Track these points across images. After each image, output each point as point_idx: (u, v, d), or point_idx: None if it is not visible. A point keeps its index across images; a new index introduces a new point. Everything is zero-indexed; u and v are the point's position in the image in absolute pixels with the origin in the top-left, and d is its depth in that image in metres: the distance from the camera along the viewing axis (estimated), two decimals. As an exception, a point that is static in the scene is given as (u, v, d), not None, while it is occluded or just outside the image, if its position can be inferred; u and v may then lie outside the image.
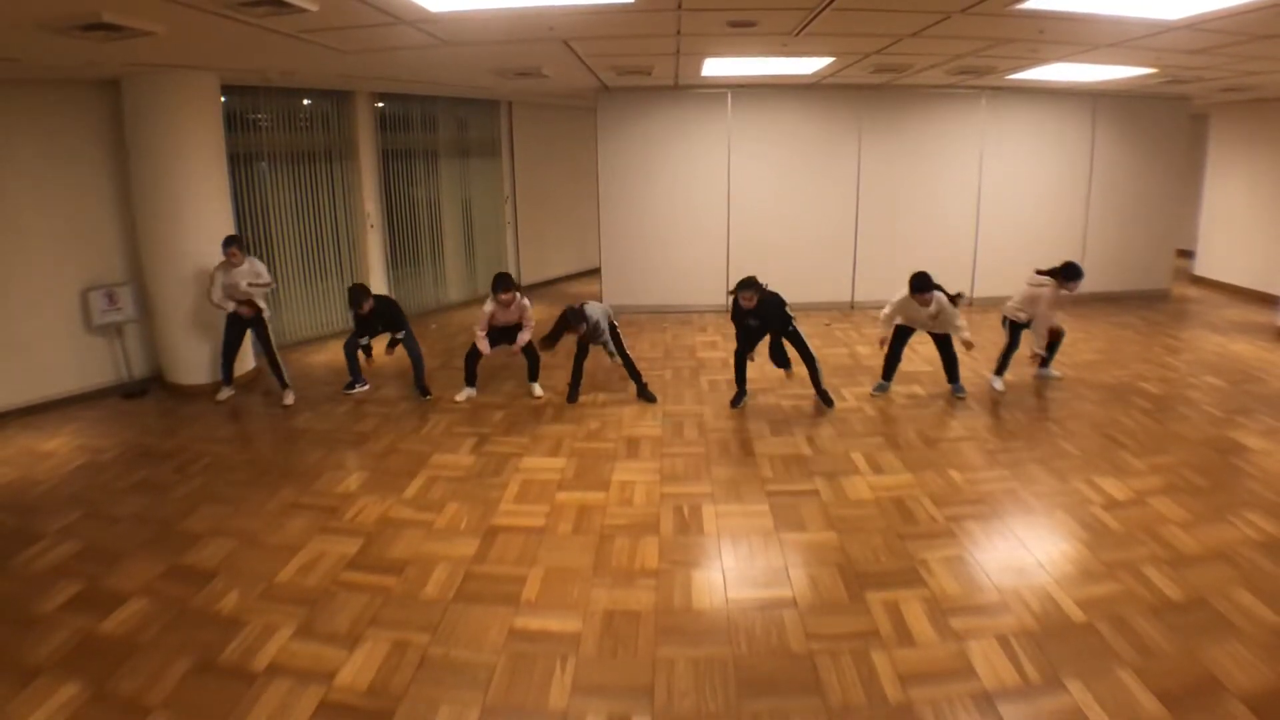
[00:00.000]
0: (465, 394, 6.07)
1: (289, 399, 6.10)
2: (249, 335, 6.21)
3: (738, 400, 5.80)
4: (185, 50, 4.99)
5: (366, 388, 6.33)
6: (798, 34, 5.10)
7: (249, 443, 5.44)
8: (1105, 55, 5.98)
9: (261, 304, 6.01)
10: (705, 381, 6.42)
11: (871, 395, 5.97)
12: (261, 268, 5.98)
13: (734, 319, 5.66)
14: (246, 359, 6.73)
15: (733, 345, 5.75)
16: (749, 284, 5.35)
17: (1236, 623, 3.03)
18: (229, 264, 5.81)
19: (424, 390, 6.14)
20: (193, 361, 6.47)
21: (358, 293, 5.89)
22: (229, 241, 5.79)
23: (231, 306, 5.92)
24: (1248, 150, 9.63)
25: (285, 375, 6.16)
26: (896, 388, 6.07)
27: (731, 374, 5.83)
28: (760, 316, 5.50)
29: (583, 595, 3.35)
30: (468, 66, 6.47)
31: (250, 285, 5.89)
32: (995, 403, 5.80)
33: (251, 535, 3.94)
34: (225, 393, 6.29)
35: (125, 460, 5.06)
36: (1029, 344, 5.99)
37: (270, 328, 6.12)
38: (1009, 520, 3.96)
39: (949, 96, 8.77)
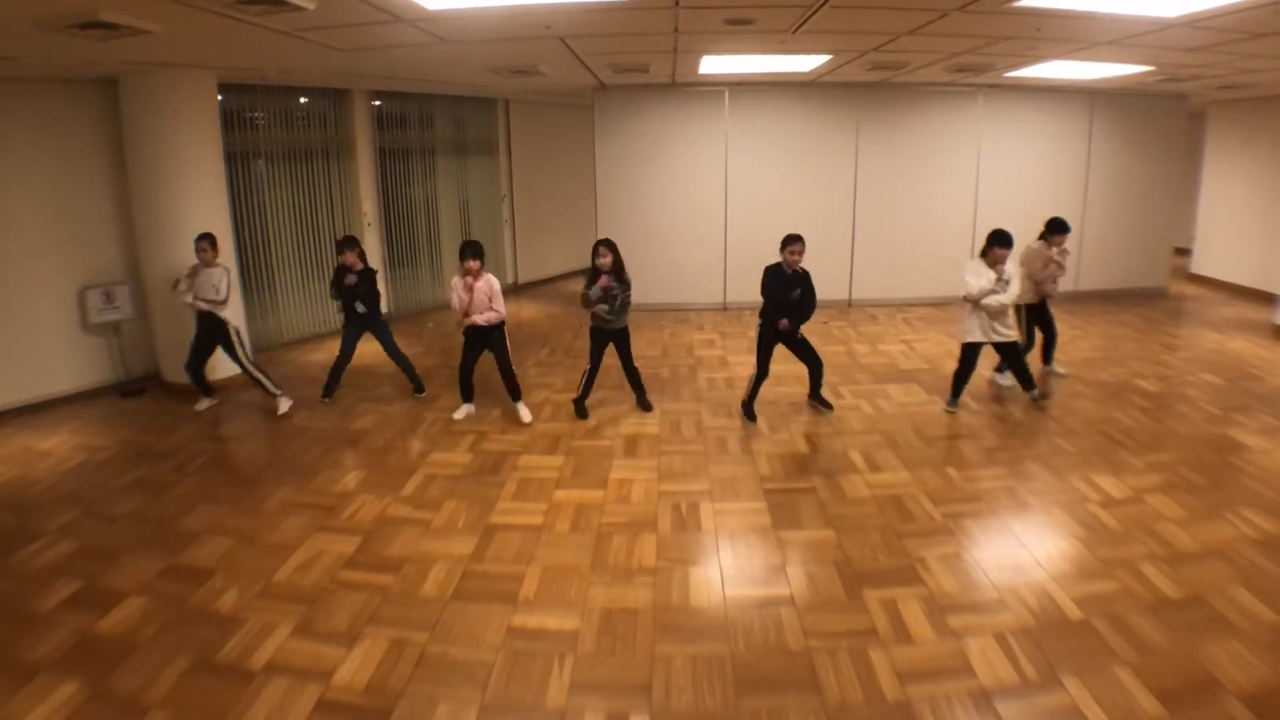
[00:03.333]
0: (464, 411, 5.62)
1: (283, 407, 5.77)
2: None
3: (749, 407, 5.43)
4: (182, 48, 4.98)
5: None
6: (795, 31, 5.10)
7: (246, 441, 5.42)
8: (1103, 53, 5.99)
9: (223, 315, 5.62)
10: (703, 379, 6.41)
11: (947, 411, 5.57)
12: (221, 280, 5.53)
13: (775, 297, 5.19)
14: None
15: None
16: (798, 237, 5.17)
17: (1234, 621, 3.03)
18: (202, 263, 5.50)
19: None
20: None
21: (345, 241, 5.65)
22: (201, 238, 5.49)
23: (193, 300, 5.53)
24: (1245, 148, 9.65)
25: (269, 383, 5.79)
26: (893, 386, 6.07)
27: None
28: (804, 285, 5.21)
29: (580, 593, 3.35)
30: (465, 64, 6.46)
31: (203, 299, 5.53)
32: (993, 401, 5.80)
33: (249, 534, 3.94)
34: (204, 403, 5.98)
35: (123, 459, 5.05)
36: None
37: (238, 337, 5.77)
38: (1007, 518, 3.97)
39: (946, 94, 8.78)
